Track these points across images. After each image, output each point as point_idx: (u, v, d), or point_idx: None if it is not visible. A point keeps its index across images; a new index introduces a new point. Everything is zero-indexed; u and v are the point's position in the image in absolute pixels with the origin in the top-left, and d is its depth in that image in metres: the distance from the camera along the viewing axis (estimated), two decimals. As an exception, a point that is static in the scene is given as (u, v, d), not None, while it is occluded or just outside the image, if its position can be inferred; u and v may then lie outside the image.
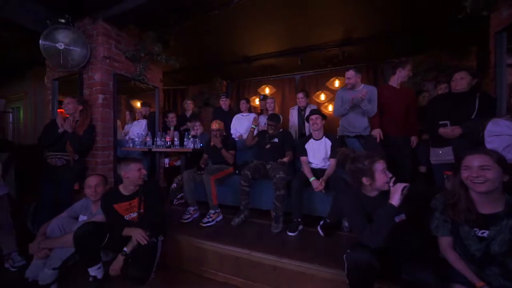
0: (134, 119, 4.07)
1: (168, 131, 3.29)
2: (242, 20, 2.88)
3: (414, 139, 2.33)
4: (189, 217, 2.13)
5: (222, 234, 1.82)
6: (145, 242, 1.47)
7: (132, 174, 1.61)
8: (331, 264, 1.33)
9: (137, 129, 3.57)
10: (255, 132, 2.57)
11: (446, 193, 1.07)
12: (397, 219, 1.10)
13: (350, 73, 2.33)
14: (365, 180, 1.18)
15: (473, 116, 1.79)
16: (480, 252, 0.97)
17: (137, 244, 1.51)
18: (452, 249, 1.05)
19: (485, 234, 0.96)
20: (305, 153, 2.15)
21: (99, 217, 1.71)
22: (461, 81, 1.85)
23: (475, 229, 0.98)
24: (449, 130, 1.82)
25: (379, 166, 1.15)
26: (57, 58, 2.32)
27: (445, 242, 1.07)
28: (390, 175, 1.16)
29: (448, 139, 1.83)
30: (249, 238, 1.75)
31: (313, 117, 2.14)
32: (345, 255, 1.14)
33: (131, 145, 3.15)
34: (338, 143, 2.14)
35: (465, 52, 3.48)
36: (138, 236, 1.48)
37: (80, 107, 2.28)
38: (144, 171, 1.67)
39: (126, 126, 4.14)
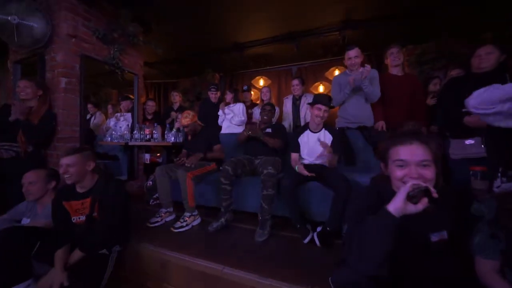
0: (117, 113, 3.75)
1: (146, 123, 2.97)
2: (232, 3, 2.56)
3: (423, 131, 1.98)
4: (159, 220, 1.79)
5: (194, 243, 1.49)
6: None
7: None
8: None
9: (124, 124, 3.25)
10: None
11: (499, 195, 0.73)
12: (434, 238, 0.73)
13: (357, 51, 1.99)
14: (382, 167, 0.82)
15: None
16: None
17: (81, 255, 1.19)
18: (499, 276, 0.72)
19: None
20: (297, 149, 1.80)
21: (42, 221, 1.38)
22: (487, 57, 1.51)
23: None
24: (476, 118, 1.45)
25: (395, 152, 0.75)
26: (11, 35, 1.99)
27: (490, 266, 0.73)
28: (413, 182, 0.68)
29: (474, 129, 1.47)
30: (226, 249, 1.41)
31: (322, 107, 1.68)
32: (330, 277, 0.81)
33: (108, 139, 2.84)
34: (338, 138, 1.79)
35: (478, 39, 3.14)
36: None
37: (40, 92, 1.96)
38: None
39: (107, 121, 3.81)
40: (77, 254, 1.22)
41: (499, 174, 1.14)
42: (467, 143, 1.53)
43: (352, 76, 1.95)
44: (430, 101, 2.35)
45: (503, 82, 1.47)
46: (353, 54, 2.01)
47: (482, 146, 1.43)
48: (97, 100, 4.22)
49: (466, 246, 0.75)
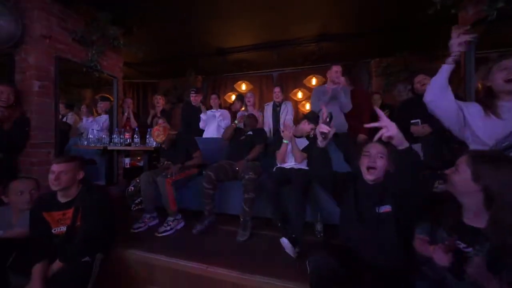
0: (91, 114, 3.59)
1: (127, 127, 2.93)
2: (215, 8, 2.64)
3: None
4: (143, 226, 1.83)
5: (178, 246, 1.56)
6: None
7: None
8: (303, 277, 1.15)
9: (95, 126, 3.15)
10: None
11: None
12: (380, 210, 1.01)
13: (338, 67, 2.26)
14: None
15: None
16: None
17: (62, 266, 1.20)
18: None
19: (460, 246, 0.82)
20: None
21: (16, 231, 1.35)
22: (424, 81, 1.93)
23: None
24: (420, 128, 1.90)
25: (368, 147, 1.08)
26: (-25, 33, 1.87)
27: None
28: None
29: (417, 137, 1.89)
30: (209, 249, 1.51)
31: (310, 125, 1.93)
32: (307, 260, 0.99)
33: (84, 142, 2.74)
34: (313, 142, 1.99)
35: (433, 55, 3.60)
36: None
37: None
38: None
39: (81, 123, 3.64)
40: (57, 265, 1.22)
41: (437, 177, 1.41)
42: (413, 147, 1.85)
43: (330, 87, 2.23)
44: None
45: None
46: (335, 69, 2.28)
47: (421, 151, 1.74)
48: (68, 100, 3.98)
49: (406, 218, 0.99)
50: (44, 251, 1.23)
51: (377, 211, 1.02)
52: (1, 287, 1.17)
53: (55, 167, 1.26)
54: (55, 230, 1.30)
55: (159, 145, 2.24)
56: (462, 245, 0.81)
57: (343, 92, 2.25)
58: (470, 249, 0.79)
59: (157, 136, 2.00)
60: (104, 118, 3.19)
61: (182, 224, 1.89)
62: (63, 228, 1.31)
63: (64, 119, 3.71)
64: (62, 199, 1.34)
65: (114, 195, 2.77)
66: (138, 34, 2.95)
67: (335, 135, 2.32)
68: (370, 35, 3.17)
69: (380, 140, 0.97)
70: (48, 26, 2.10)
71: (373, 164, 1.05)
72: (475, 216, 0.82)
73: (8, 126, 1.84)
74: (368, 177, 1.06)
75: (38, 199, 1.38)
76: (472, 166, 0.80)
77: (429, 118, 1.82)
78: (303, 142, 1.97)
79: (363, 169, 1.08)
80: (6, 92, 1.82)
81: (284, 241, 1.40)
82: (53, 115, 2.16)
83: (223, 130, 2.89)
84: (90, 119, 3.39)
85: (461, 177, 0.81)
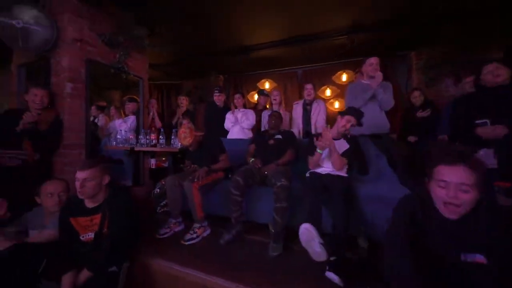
0: (120, 116, 3.70)
1: (152, 128, 2.93)
2: (238, 4, 2.50)
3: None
4: (168, 231, 1.75)
5: (205, 257, 1.44)
6: None
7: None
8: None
9: (123, 126, 3.21)
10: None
11: None
12: (465, 258, 0.71)
13: (375, 59, 2.04)
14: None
15: None
16: None
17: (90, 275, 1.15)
18: None
19: None
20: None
21: (48, 232, 1.34)
22: (497, 72, 1.54)
23: None
24: (489, 129, 1.52)
25: (443, 171, 0.75)
26: (15, 39, 1.94)
27: None
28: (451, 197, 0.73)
29: (487, 141, 1.51)
30: (240, 265, 1.36)
31: (351, 119, 1.70)
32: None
33: (113, 143, 2.80)
34: (354, 143, 1.75)
35: (483, 46, 3.08)
36: None
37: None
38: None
39: (110, 124, 3.76)
40: (85, 275, 1.17)
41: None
42: (481, 153, 1.50)
43: (373, 83, 1.99)
44: (421, 114, 2.54)
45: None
46: (371, 62, 2.07)
47: (494, 158, 1.40)
48: (99, 102, 4.16)
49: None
50: (73, 259, 1.19)
51: (462, 259, 0.72)
52: None
53: (80, 174, 1.21)
54: (83, 237, 1.26)
55: (184, 147, 2.17)
56: None
57: (382, 88, 2.00)
58: None
59: (184, 139, 1.91)
60: (132, 119, 3.25)
61: (208, 231, 1.78)
62: (91, 235, 1.27)
63: (96, 121, 3.89)
64: (89, 204, 1.30)
65: (140, 196, 2.78)
66: (161, 34, 2.93)
67: (376, 136, 2.07)
68: (408, 24, 2.79)
69: (464, 156, 0.72)
70: (79, 29, 2.13)
71: (453, 200, 0.72)
72: None
73: (44, 127, 1.88)
74: (449, 215, 0.76)
75: (65, 203, 1.35)
76: None
77: (502, 116, 1.51)
78: (341, 145, 1.74)
79: (439, 203, 0.77)
80: (40, 94, 1.86)
81: (331, 275, 1.16)
82: (84, 117, 2.19)
83: (246, 131, 2.77)
84: (120, 120, 3.48)
85: None
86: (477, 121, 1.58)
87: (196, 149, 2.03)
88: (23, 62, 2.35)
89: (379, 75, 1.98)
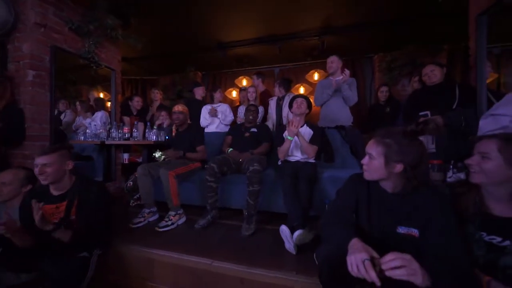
0: (87, 111, 3.50)
1: (132, 118, 2.85)
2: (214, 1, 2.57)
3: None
4: (142, 220, 1.75)
5: (180, 241, 1.48)
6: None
7: None
8: (313, 272, 1.08)
9: (93, 122, 3.07)
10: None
11: (451, 184, 0.87)
12: (400, 230, 0.82)
13: (334, 58, 2.25)
14: None
15: (454, 106, 1.77)
16: (483, 259, 0.76)
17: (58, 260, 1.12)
18: None
19: (494, 241, 0.75)
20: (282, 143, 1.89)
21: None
22: (432, 74, 1.85)
23: (482, 232, 0.77)
24: (430, 119, 1.77)
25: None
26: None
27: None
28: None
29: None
30: (214, 244, 1.43)
31: (298, 100, 1.92)
32: (315, 253, 0.92)
33: (81, 138, 2.66)
34: (319, 133, 1.92)
35: (438, 49, 3.55)
36: None
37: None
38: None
39: (77, 119, 3.54)
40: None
41: (451, 166, 1.34)
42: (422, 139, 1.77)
43: (334, 79, 2.16)
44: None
45: (454, 91, 1.78)
46: (330, 60, 2.29)
47: (432, 144, 1.67)
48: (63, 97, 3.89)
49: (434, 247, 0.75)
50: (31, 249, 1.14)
51: (398, 231, 0.82)
52: None
53: (38, 160, 1.18)
54: (47, 224, 1.22)
55: (163, 137, 2.28)
56: (496, 240, 0.74)
57: (348, 84, 2.20)
58: (507, 242, 0.72)
59: (178, 105, 2.14)
60: (101, 114, 3.12)
61: (184, 219, 1.81)
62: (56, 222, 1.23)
63: (63, 116, 3.63)
64: (54, 192, 1.26)
65: (112, 191, 2.69)
66: (136, 27, 2.86)
67: (341, 128, 2.29)
68: (374, 28, 3.11)
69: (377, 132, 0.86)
70: (43, 14, 2.01)
71: (364, 163, 0.87)
72: (506, 206, 0.76)
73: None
74: (365, 177, 0.89)
75: (30, 191, 1.29)
76: (505, 151, 0.73)
77: (440, 110, 1.79)
78: (305, 131, 1.90)
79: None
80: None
81: (283, 228, 1.33)
82: (48, 107, 2.07)
83: (224, 126, 2.83)
84: (88, 120, 3.30)
85: (493, 164, 0.74)
86: (420, 113, 1.86)
87: (178, 134, 2.06)
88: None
89: (346, 73, 2.16)
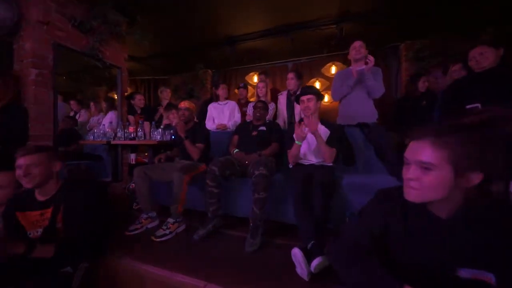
0: (100, 111, 3.53)
1: (137, 117, 2.78)
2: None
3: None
4: (139, 227, 1.61)
5: (176, 254, 1.31)
6: None
7: None
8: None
9: (105, 121, 3.08)
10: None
11: None
12: (463, 274, 0.55)
13: (359, 43, 1.91)
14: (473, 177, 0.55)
15: None
16: None
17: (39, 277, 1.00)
18: None
19: None
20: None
21: None
22: (482, 57, 1.49)
23: None
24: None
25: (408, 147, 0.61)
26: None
27: None
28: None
29: None
30: (211, 261, 1.24)
31: (304, 98, 1.62)
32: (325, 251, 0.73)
33: (91, 137, 2.64)
34: (336, 133, 1.64)
35: (477, 34, 3.04)
36: None
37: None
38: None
39: (91, 120, 3.58)
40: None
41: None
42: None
43: (356, 68, 1.86)
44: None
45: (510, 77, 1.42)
46: (355, 46, 1.94)
47: None
48: (81, 98, 3.97)
49: None
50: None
51: (460, 275, 0.55)
52: None
53: (22, 160, 1.05)
54: (30, 233, 1.11)
55: (168, 137, 2.19)
56: None
57: (372, 73, 1.86)
58: None
59: (185, 102, 2.02)
60: (111, 114, 3.10)
61: (183, 227, 1.64)
62: (40, 231, 1.12)
63: (77, 116, 3.70)
64: (40, 197, 1.15)
65: (118, 192, 2.62)
66: (142, 25, 2.77)
67: (365, 125, 1.98)
68: (399, 14, 2.72)
69: (429, 131, 0.57)
70: (46, 11, 1.97)
71: (411, 179, 0.58)
72: None
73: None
74: (407, 197, 0.59)
75: (12, 197, 1.19)
76: None
77: (493, 102, 1.43)
78: (320, 131, 1.62)
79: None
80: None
81: (296, 252, 1.08)
82: (51, 106, 2.03)
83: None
84: (99, 116, 3.32)
85: None
86: (467, 106, 1.51)
87: (187, 130, 1.94)
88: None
89: (371, 59, 1.80)
